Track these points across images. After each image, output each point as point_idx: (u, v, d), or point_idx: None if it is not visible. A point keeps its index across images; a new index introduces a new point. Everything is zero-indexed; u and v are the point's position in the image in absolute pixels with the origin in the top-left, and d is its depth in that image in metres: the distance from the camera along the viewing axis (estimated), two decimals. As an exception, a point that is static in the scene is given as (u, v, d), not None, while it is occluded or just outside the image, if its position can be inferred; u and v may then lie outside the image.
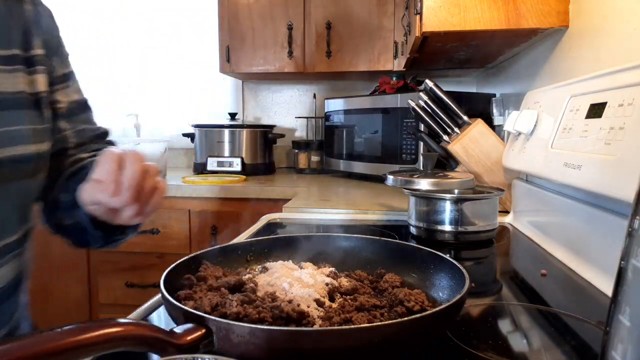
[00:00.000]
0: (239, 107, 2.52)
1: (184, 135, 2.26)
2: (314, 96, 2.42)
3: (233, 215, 1.80)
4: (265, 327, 0.40)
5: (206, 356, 0.36)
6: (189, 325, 0.39)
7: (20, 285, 0.68)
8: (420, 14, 1.09)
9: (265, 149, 2.23)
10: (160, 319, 0.58)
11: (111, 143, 0.86)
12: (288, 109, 2.52)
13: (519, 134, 0.99)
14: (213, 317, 0.39)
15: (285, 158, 2.54)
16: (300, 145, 2.30)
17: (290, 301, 0.47)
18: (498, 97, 1.59)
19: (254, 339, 0.37)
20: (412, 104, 1.25)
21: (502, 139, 1.24)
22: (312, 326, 0.45)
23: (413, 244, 0.64)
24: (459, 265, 0.53)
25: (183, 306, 0.42)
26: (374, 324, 0.44)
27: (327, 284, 0.54)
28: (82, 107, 0.80)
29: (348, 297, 0.53)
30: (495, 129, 1.39)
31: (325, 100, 2.16)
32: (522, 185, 1.07)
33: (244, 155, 2.15)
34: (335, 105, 2.08)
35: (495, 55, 1.50)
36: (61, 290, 1.90)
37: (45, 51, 0.70)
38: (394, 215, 1.21)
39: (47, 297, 1.89)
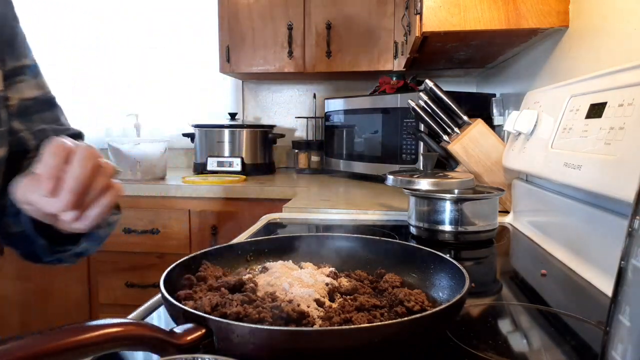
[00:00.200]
0: (239, 107, 2.52)
1: (184, 135, 2.26)
2: (314, 96, 2.42)
3: (233, 215, 1.80)
4: (265, 327, 0.40)
5: (206, 356, 0.36)
6: (189, 325, 0.39)
7: None
8: (420, 14, 1.09)
9: (265, 149, 2.23)
10: (160, 319, 0.58)
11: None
12: (288, 109, 2.52)
13: (519, 134, 0.99)
14: (213, 317, 0.39)
15: (285, 158, 2.54)
16: (300, 145, 2.30)
17: (290, 301, 0.47)
18: (498, 97, 1.59)
19: (254, 339, 0.37)
20: (412, 104, 1.25)
21: (502, 139, 1.24)
22: (312, 326, 0.45)
23: (413, 244, 0.64)
24: (459, 265, 0.53)
25: (183, 306, 0.42)
26: (374, 324, 0.44)
27: (327, 284, 0.54)
28: (41, 105, 0.70)
29: (348, 297, 0.53)
30: (495, 129, 1.39)
31: (325, 100, 2.16)
32: (522, 185, 1.07)
33: (244, 155, 2.15)
34: (335, 105, 2.08)
35: (495, 55, 1.49)
36: (61, 290, 1.90)
37: None
38: (394, 215, 1.21)
39: (47, 297, 1.89)
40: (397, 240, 0.69)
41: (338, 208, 1.29)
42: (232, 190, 1.80)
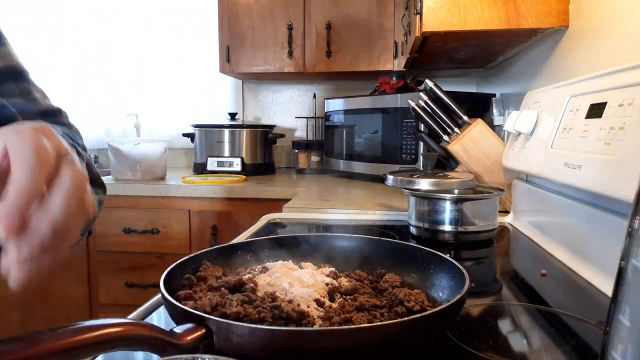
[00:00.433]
0: (239, 107, 2.52)
1: (184, 135, 2.26)
2: (314, 96, 2.42)
3: (233, 215, 1.80)
4: (265, 327, 0.40)
5: (206, 356, 0.36)
6: (189, 325, 0.39)
7: None
8: (420, 14, 1.09)
9: (265, 149, 2.23)
10: (160, 319, 0.58)
11: (65, 125, 0.63)
12: (288, 109, 2.52)
13: (519, 134, 0.99)
14: (213, 317, 0.39)
15: (285, 158, 2.54)
16: (300, 145, 2.30)
17: (290, 301, 0.47)
18: (498, 97, 1.59)
19: (254, 339, 0.37)
20: (412, 104, 1.25)
21: (502, 139, 1.24)
22: (312, 326, 0.45)
23: (413, 244, 0.64)
24: (459, 265, 0.53)
25: (183, 306, 0.42)
26: (374, 324, 0.44)
27: (327, 284, 0.54)
28: (3, 75, 0.59)
29: (348, 297, 0.53)
30: (495, 129, 1.39)
31: (325, 100, 2.16)
32: (522, 185, 1.07)
33: (244, 155, 2.16)
34: (335, 105, 2.08)
35: (495, 55, 1.50)
36: (61, 290, 1.90)
37: None
38: (394, 215, 1.21)
39: (47, 297, 1.89)
40: (397, 240, 0.69)
41: (338, 208, 1.29)
42: (232, 190, 1.80)
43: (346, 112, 2.02)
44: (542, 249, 0.88)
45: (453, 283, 0.53)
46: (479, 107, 1.53)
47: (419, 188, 0.96)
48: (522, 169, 0.96)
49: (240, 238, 0.97)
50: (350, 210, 1.26)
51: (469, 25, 1.05)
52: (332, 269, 0.60)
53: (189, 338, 0.38)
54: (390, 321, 0.40)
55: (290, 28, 2.09)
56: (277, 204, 1.64)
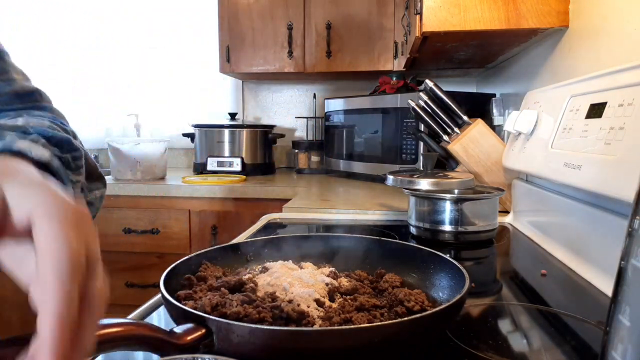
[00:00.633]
0: (239, 107, 2.52)
1: (184, 135, 2.26)
2: (314, 96, 2.42)
3: (233, 215, 1.80)
4: (265, 327, 0.40)
5: (206, 356, 0.36)
6: (189, 325, 0.39)
7: None
8: (420, 14, 1.09)
9: (265, 149, 2.23)
10: (160, 319, 0.58)
11: (44, 109, 0.58)
12: (288, 109, 2.52)
13: (519, 134, 0.99)
14: (213, 317, 0.39)
15: (285, 158, 2.54)
16: (300, 145, 2.30)
17: (290, 301, 0.47)
18: (498, 97, 1.59)
19: (254, 339, 0.37)
20: (412, 104, 1.25)
21: (502, 139, 1.24)
22: (312, 326, 0.45)
23: (413, 244, 0.64)
24: (459, 265, 0.53)
25: (183, 306, 0.42)
26: (374, 324, 0.44)
27: (327, 284, 0.54)
28: None
29: (348, 297, 0.53)
30: (495, 129, 1.39)
31: (325, 100, 2.16)
32: (522, 185, 1.07)
33: (244, 155, 2.16)
34: (335, 105, 2.08)
35: (495, 55, 1.49)
36: (61, 290, 1.89)
37: None
38: (394, 215, 1.21)
39: (47, 297, 1.89)
40: (397, 240, 0.69)
41: (338, 208, 1.29)
42: (232, 190, 1.80)
43: (346, 112, 2.02)
44: (542, 249, 0.88)
45: (453, 283, 0.53)
46: (479, 107, 1.53)
47: (419, 188, 0.96)
48: (522, 169, 0.96)
49: (240, 238, 0.97)
50: (350, 210, 1.26)
51: (469, 25, 1.05)
52: (332, 269, 0.60)
53: (189, 338, 0.38)
54: (390, 321, 0.40)
55: (290, 28, 2.09)
56: (277, 204, 1.64)
